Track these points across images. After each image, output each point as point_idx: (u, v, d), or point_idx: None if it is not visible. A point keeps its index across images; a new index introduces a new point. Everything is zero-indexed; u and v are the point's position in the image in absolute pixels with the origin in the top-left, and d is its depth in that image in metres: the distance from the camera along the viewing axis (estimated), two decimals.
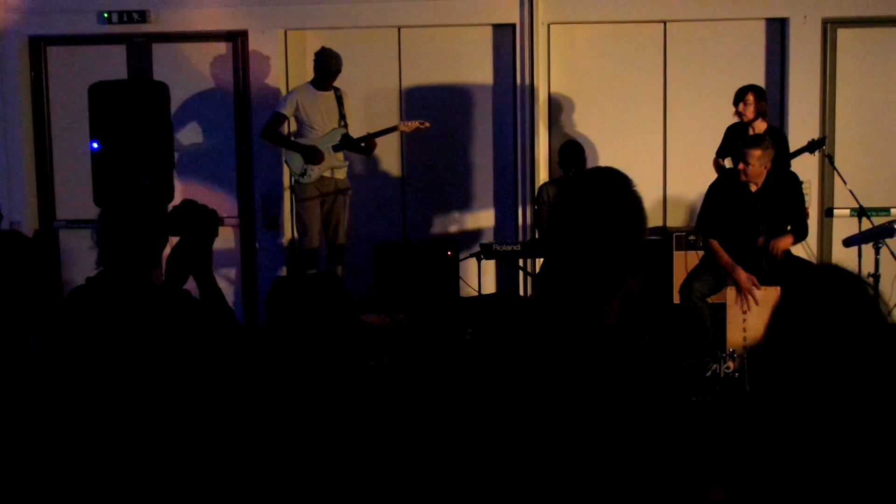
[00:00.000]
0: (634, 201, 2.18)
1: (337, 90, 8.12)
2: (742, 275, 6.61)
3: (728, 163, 7.78)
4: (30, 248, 2.62)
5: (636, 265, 2.15)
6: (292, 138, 8.18)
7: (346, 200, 8.20)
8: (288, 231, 8.99)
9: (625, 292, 2.16)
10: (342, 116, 8.08)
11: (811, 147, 7.49)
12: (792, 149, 7.74)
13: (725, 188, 6.91)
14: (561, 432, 2.07)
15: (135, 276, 3.27)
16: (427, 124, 8.23)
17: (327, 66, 7.99)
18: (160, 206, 3.36)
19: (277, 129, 8.10)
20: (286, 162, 8.17)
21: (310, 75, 8.25)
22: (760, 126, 7.52)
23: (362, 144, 8.11)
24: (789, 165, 7.53)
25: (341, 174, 8.16)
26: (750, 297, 6.58)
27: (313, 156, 7.92)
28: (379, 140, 8.39)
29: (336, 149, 8.02)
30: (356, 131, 8.21)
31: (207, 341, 3.30)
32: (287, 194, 8.95)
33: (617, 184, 2.19)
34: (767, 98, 7.72)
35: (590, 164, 8.55)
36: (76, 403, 3.13)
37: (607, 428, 2.06)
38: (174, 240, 3.47)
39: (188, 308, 3.31)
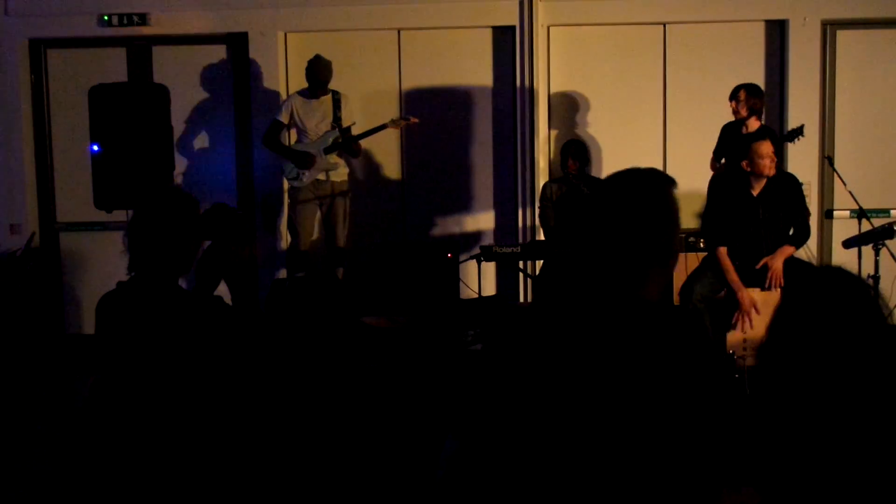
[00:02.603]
0: (667, 198, 2.34)
1: (336, 93, 8.20)
2: (745, 298, 6.58)
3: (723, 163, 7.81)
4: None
5: (665, 252, 2.32)
6: (293, 143, 8.23)
7: (345, 203, 8.23)
8: (286, 233, 9.00)
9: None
10: (337, 119, 8.12)
11: (790, 136, 7.49)
12: (785, 149, 7.76)
13: (727, 191, 6.89)
14: (608, 399, 2.17)
15: (166, 282, 3.25)
16: (415, 120, 8.26)
17: (315, 75, 8.15)
18: (193, 211, 3.34)
19: (276, 137, 8.20)
20: (282, 167, 8.24)
21: None
22: (753, 124, 7.51)
23: (337, 142, 8.13)
24: (782, 163, 7.53)
25: (337, 176, 8.21)
26: (747, 318, 6.56)
27: (303, 161, 8.03)
28: (380, 142, 8.39)
29: (327, 151, 8.06)
30: (356, 133, 8.24)
31: (238, 349, 3.29)
32: (287, 196, 8.97)
33: (654, 181, 2.39)
34: (763, 96, 7.70)
35: (591, 165, 8.57)
36: (113, 408, 3.15)
37: (651, 394, 2.16)
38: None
39: (220, 315, 3.29)
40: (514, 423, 2.20)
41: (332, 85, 8.32)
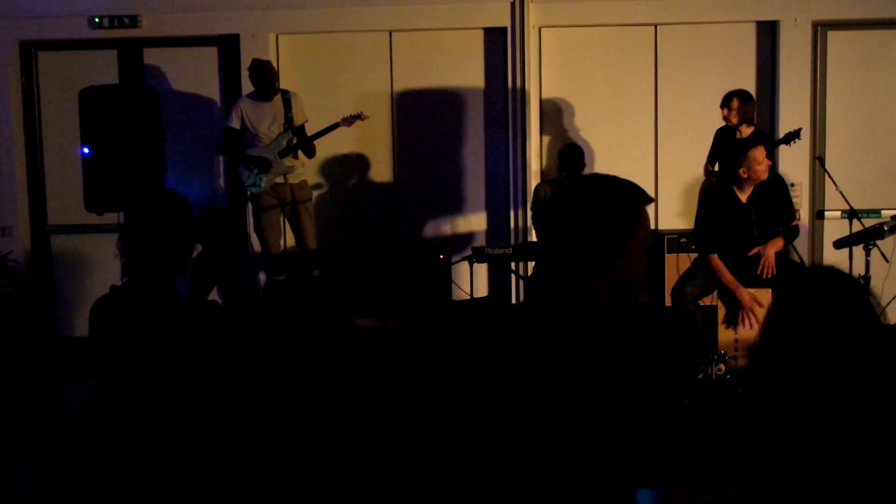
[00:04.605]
0: (618, 203, 2.37)
1: (285, 93, 8.14)
2: (745, 295, 6.58)
3: (716, 168, 7.83)
4: None
5: (611, 254, 2.34)
6: (248, 148, 8.17)
7: (308, 206, 8.19)
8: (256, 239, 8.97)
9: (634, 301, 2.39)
10: (288, 120, 8.09)
11: (787, 138, 7.51)
12: (777, 151, 7.79)
13: (718, 199, 6.88)
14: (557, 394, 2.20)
15: (161, 286, 3.23)
16: (366, 116, 8.23)
17: (261, 78, 8.03)
18: (186, 214, 3.33)
19: (231, 143, 8.14)
20: (239, 174, 8.17)
21: (302, 79, 8.27)
22: (746, 131, 7.57)
23: (291, 145, 8.09)
24: (775, 164, 7.56)
25: (295, 178, 8.15)
26: (751, 314, 6.56)
27: (260, 166, 7.97)
28: (372, 143, 8.35)
29: (282, 154, 8.02)
30: (347, 134, 8.21)
31: (234, 354, 3.27)
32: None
33: (606, 185, 2.41)
34: (755, 102, 7.74)
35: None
36: (110, 415, 3.13)
37: (598, 388, 2.20)
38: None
39: (215, 319, 3.28)
40: (475, 421, 2.23)
41: (325, 86, 8.29)
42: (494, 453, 2.20)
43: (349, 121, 8.11)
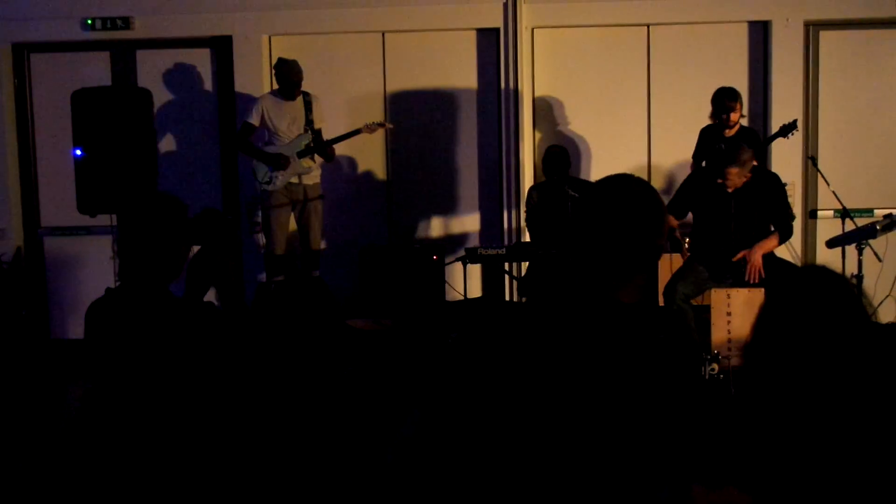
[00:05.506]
0: (655, 204, 2.36)
1: (306, 94, 8.14)
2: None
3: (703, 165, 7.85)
4: None
5: (651, 257, 2.33)
6: (264, 146, 8.17)
7: (318, 207, 8.20)
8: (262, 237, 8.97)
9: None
10: (309, 122, 8.09)
11: (784, 131, 7.48)
12: (769, 149, 7.79)
13: (704, 179, 6.94)
14: (577, 399, 2.19)
15: (157, 289, 3.23)
16: (390, 125, 8.28)
17: (288, 78, 8.02)
18: (182, 215, 3.33)
19: (247, 139, 8.13)
20: (253, 170, 8.16)
21: None
22: (735, 127, 7.59)
23: (310, 146, 8.09)
24: (765, 163, 7.55)
25: (310, 179, 8.16)
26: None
27: (277, 163, 7.96)
28: (365, 144, 8.34)
29: (301, 155, 8.02)
30: (330, 136, 8.21)
31: (231, 355, 3.27)
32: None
33: (643, 187, 2.39)
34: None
35: (574, 167, 8.58)
36: (107, 417, 3.13)
37: (619, 394, 2.18)
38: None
39: (212, 321, 3.27)
40: (480, 411, 2.21)
41: (318, 87, 8.29)
42: (513, 455, 2.19)
43: (371, 128, 8.13)
